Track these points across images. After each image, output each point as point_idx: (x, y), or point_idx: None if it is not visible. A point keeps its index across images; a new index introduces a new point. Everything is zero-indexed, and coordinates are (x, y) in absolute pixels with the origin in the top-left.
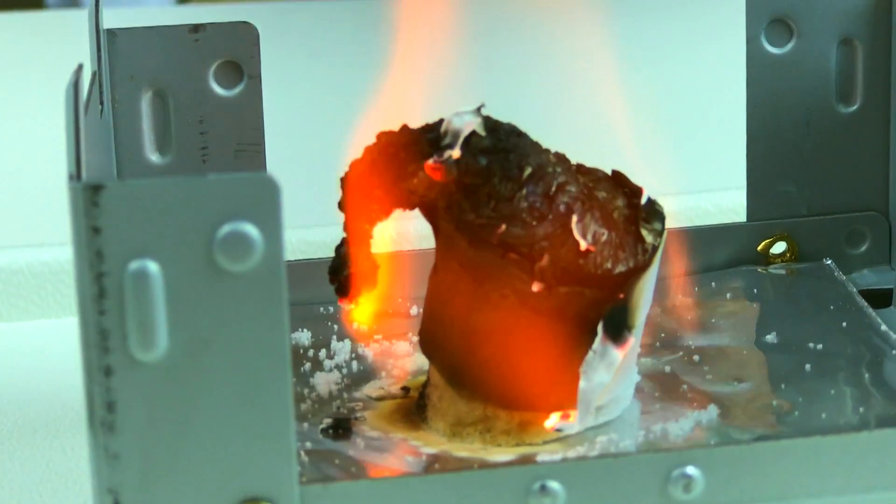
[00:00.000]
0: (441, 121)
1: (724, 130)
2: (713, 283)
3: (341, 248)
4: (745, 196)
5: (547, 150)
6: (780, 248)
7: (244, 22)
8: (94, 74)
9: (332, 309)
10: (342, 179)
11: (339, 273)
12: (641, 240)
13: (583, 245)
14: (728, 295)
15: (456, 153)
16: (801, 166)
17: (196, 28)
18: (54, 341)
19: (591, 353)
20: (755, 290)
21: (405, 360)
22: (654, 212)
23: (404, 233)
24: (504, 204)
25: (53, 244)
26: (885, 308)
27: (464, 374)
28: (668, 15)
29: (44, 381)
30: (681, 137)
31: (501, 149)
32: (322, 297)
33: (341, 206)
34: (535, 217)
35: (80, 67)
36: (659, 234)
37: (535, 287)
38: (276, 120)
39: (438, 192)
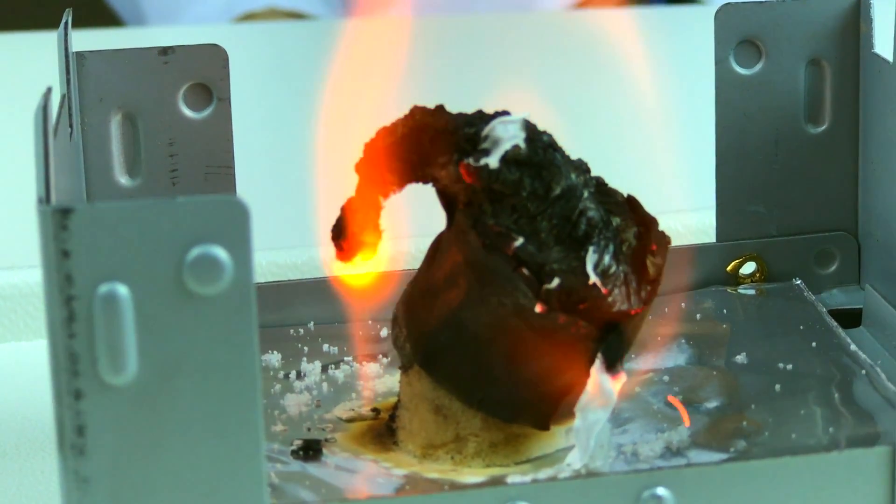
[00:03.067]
0: (481, 114)
1: (693, 151)
2: (683, 304)
3: (346, 203)
4: (715, 216)
5: (577, 167)
6: (749, 268)
7: (213, 44)
8: (63, 97)
9: (301, 331)
10: (367, 144)
11: (342, 235)
12: (645, 277)
13: (592, 278)
14: (698, 315)
15: (493, 163)
16: (770, 186)
17: (165, 51)
18: (24, 364)
19: (586, 393)
20: (725, 311)
21: (375, 381)
22: (661, 245)
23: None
24: (526, 220)
25: (23, 267)
26: (854, 328)
27: (436, 359)
28: (638, 37)
29: (14, 404)
30: (649, 158)
31: (536, 163)
32: (292, 319)
33: (358, 169)
34: (552, 239)
35: (50, 90)
36: (660, 268)
37: (538, 308)
38: (245, 142)
39: (462, 188)
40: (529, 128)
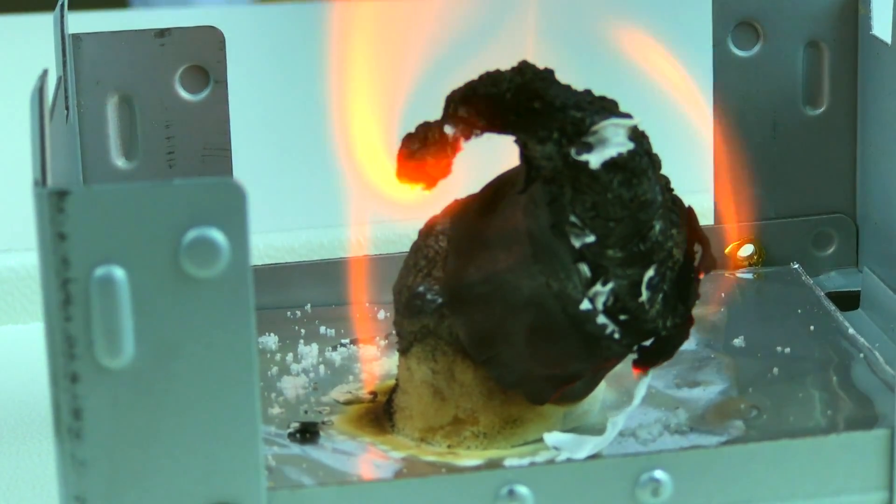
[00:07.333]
0: (590, 96)
1: (690, 133)
2: None
3: (426, 128)
4: (713, 199)
5: (661, 179)
6: (747, 250)
7: (210, 26)
8: (59, 79)
9: (298, 313)
10: (468, 83)
11: (412, 157)
12: (685, 301)
13: (643, 296)
14: None
15: (594, 163)
16: (768, 169)
17: (162, 33)
18: (21, 347)
19: (629, 409)
20: (723, 295)
21: (373, 364)
22: (710, 269)
23: (371, 237)
24: (601, 221)
25: (20, 249)
26: (852, 311)
27: (462, 305)
28: (636, 17)
29: (11, 386)
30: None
31: (630, 169)
32: (289, 301)
33: (450, 100)
34: (620, 247)
35: (45, 73)
36: (697, 292)
37: (584, 305)
38: (242, 124)
39: (550, 165)
40: (636, 135)
